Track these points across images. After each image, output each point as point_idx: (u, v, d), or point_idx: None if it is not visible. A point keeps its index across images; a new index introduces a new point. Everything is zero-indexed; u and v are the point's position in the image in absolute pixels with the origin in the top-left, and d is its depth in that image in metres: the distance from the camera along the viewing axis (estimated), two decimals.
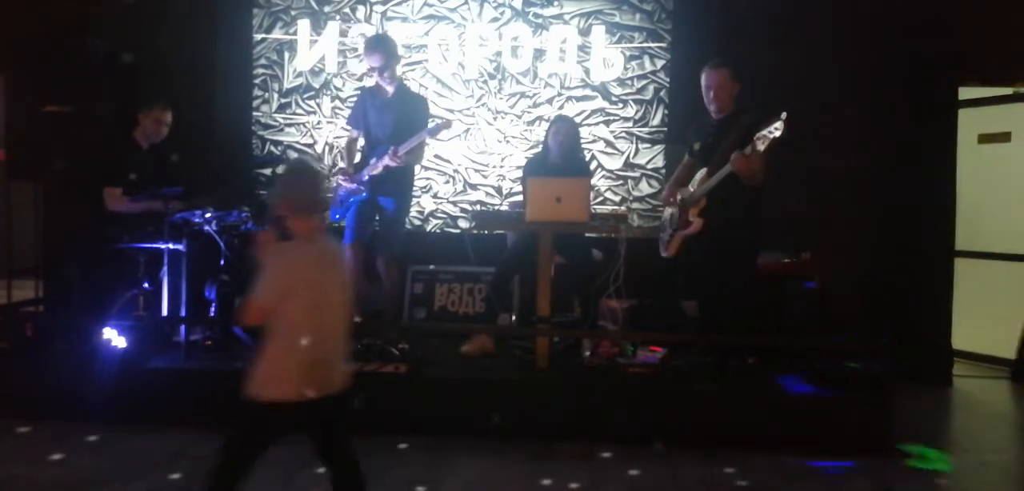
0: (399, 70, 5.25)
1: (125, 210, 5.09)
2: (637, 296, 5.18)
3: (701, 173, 4.58)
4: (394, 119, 5.06)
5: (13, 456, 3.90)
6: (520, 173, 5.69)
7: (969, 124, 6.01)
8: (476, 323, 5.68)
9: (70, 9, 5.85)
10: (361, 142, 5.29)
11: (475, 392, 4.39)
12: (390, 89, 5.11)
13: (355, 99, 5.52)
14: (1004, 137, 6.10)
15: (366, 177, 5.08)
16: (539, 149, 5.52)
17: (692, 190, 4.63)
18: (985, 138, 6.15)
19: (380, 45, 5.12)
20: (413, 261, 6.06)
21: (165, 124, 5.33)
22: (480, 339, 4.99)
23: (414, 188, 5.46)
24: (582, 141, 5.66)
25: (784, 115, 4.15)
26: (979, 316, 6.09)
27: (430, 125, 5.16)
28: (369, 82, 5.42)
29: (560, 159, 5.22)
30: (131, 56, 5.85)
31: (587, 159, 5.92)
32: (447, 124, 5.26)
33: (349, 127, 5.35)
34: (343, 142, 5.54)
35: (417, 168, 5.46)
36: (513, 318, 5.36)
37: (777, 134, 4.14)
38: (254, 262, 2.72)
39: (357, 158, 5.26)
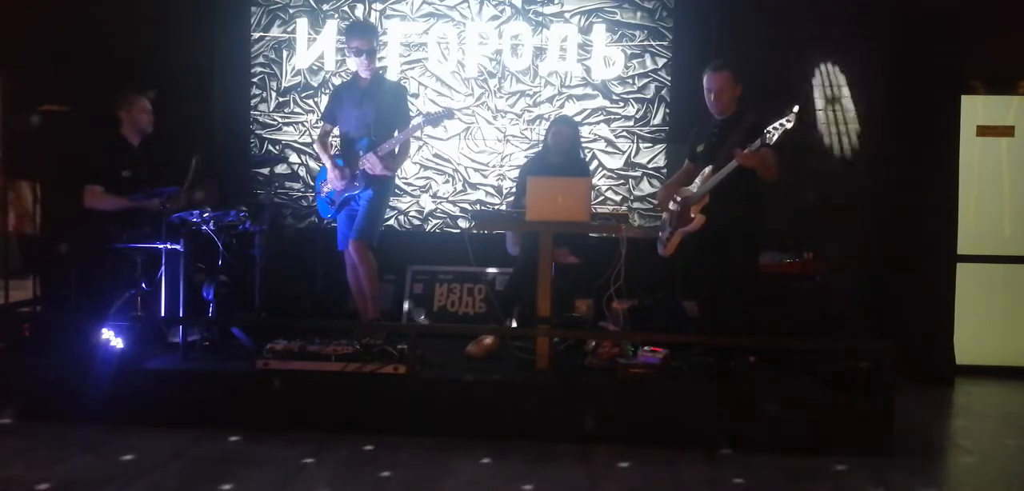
0: (377, 61, 5.20)
1: (110, 207, 5.03)
2: (637, 296, 5.15)
3: (705, 171, 4.56)
4: (375, 109, 5.00)
5: (10, 456, 3.87)
6: (517, 171, 5.67)
7: (969, 114, 5.94)
8: (477, 324, 5.66)
9: (69, 8, 5.82)
10: (334, 136, 5.26)
11: (475, 393, 4.36)
12: (367, 76, 5.05)
13: (329, 95, 5.46)
14: (1007, 131, 6.04)
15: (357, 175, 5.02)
16: (539, 148, 5.49)
17: (694, 189, 4.62)
18: (984, 131, 6.08)
19: (364, 28, 5.21)
20: (413, 261, 6.04)
21: (150, 112, 5.28)
22: (484, 342, 4.96)
23: (396, 180, 5.40)
24: (583, 141, 5.64)
25: (796, 108, 4.16)
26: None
27: (416, 120, 5.12)
28: (346, 76, 5.36)
29: (559, 159, 5.19)
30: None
31: (588, 159, 5.90)
32: (449, 114, 5.19)
33: (323, 122, 5.32)
34: (316, 135, 5.46)
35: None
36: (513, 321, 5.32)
37: (789, 126, 4.15)
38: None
39: (332, 151, 5.20)
